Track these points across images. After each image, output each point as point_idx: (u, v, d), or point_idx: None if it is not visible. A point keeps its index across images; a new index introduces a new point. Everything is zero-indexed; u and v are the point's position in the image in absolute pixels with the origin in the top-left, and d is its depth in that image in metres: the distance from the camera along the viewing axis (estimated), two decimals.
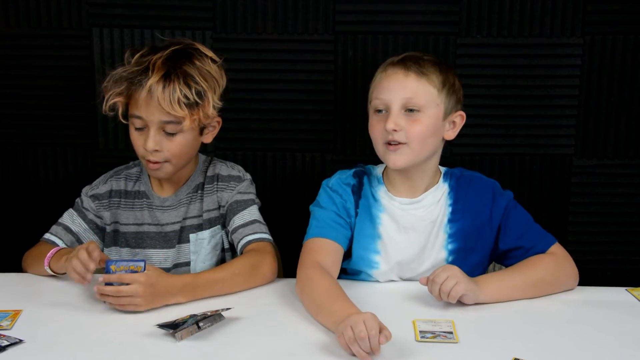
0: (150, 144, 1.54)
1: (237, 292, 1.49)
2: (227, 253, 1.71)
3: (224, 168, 1.69)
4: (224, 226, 1.68)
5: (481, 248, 1.60)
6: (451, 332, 1.29)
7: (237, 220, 1.63)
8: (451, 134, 1.60)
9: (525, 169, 2.03)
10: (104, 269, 1.41)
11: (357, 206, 1.61)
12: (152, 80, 1.51)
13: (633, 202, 2.04)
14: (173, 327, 1.27)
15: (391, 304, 1.45)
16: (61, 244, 1.63)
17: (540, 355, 1.22)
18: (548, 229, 1.61)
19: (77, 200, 1.70)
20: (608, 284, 1.63)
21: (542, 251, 1.56)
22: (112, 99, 1.55)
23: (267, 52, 1.99)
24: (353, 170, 1.66)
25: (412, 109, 1.52)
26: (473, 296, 1.42)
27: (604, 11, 1.94)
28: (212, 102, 1.56)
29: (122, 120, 1.58)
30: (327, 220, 1.58)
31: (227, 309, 1.34)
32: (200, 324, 1.28)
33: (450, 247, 1.58)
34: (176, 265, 1.67)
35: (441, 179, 1.63)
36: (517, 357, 1.20)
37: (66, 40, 1.99)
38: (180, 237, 1.67)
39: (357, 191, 1.62)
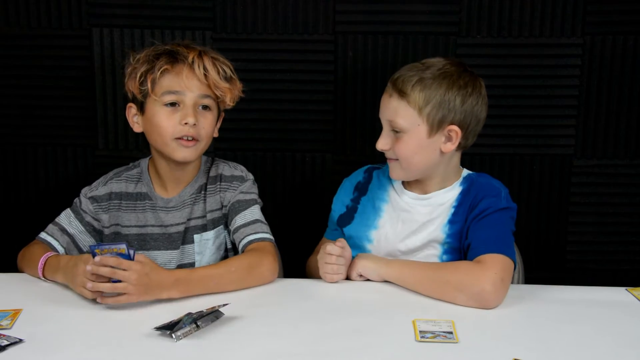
0: (190, 117, 1.54)
1: (233, 291, 1.48)
2: (230, 253, 1.70)
3: (226, 168, 1.69)
4: (227, 226, 1.68)
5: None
6: (451, 332, 1.29)
7: (239, 219, 1.63)
8: (449, 146, 1.55)
9: (525, 169, 2.03)
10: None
11: (357, 201, 1.67)
12: (193, 54, 1.56)
13: (633, 202, 2.04)
14: (170, 328, 1.26)
15: (391, 304, 1.45)
16: (56, 245, 1.62)
17: (540, 355, 1.22)
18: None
19: (76, 200, 1.69)
20: (608, 284, 1.63)
21: (479, 254, 1.47)
22: (161, 68, 1.54)
23: (267, 52, 1.99)
24: (367, 166, 1.73)
25: (395, 130, 1.55)
26: (376, 273, 1.53)
27: (604, 11, 1.94)
28: (238, 84, 1.63)
29: (152, 95, 1.54)
30: (330, 225, 1.73)
31: (224, 304, 1.33)
32: (199, 323, 1.28)
33: (446, 246, 1.58)
34: (180, 267, 1.66)
35: (457, 182, 1.62)
36: (517, 357, 1.20)
37: (66, 40, 1.99)
38: (185, 238, 1.66)
39: (362, 187, 1.69)
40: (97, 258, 1.37)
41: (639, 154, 2.01)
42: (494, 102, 2.00)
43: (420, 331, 1.29)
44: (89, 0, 1.96)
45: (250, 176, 1.70)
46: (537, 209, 2.05)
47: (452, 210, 1.59)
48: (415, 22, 1.97)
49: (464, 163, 1.65)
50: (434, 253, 1.59)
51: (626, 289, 1.53)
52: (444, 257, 1.58)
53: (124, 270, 1.37)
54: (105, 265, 1.37)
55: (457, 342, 1.26)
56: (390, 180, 1.66)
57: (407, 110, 1.53)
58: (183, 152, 1.58)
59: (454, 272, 1.46)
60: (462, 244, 1.57)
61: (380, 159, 1.64)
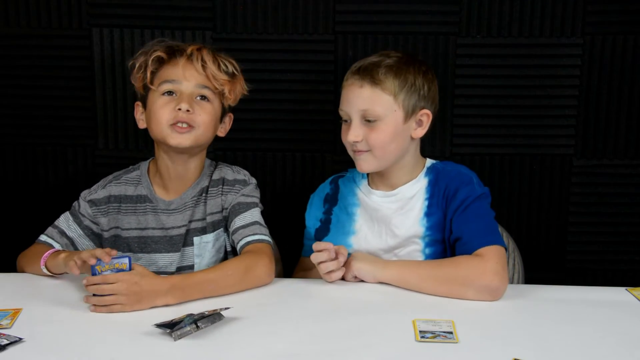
0: (184, 103, 1.55)
1: (230, 294, 1.47)
2: (230, 255, 1.70)
3: (229, 172, 1.69)
4: (227, 228, 1.67)
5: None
6: (451, 332, 1.29)
7: (238, 221, 1.62)
8: (419, 132, 1.60)
9: (525, 169, 2.03)
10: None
11: (330, 212, 1.70)
12: (194, 47, 1.60)
13: (633, 202, 2.04)
14: (170, 327, 1.26)
15: (391, 304, 1.45)
16: (57, 247, 1.62)
17: (540, 355, 1.22)
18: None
19: (75, 204, 1.69)
20: (608, 284, 1.63)
21: (476, 247, 1.49)
22: (154, 55, 1.59)
23: (267, 52, 1.99)
24: (331, 177, 1.76)
25: (369, 119, 1.55)
26: (371, 276, 1.51)
27: (604, 11, 1.94)
28: (243, 82, 1.65)
29: (150, 86, 1.59)
30: (307, 242, 1.73)
31: (226, 308, 1.34)
32: (199, 324, 1.28)
33: (427, 239, 1.59)
34: (180, 269, 1.66)
35: (422, 173, 1.64)
36: (517, 357, 1.20)
37: (66, 40, 1.99)
38: (185, 240, 1.66)
39: (332, 198, 1.72)
40: (84, 281, 1.37)
41: (639, 154, 2.01)
42: (494, 102, 2.01)
43: (420, 331, 1.29)
44: (89, 0, 1.96)
45: (253, 180, 1.70)
46: (537, 209, 2.05)
47: (426, 202, 1.60)
48: (415, 22, 1.97)
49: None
50: (416, 248, 1.60)
51: (626, 289, 1.53)
52: (427, 250, 1.59)
53: (112, 283, 1.37)
54: (93, 284, 1.37)
55: (457, 342, 1.26)
56: (356, 183, 1.69)
57: (383, 97, 1.55)
58: (177, 138, 1.57)
59: (456, 268, 1.47)
60: (445, 237, 1.57)
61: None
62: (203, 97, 1.60)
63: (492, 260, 1.46)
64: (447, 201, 1.58)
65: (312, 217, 1.73)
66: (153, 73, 1.59)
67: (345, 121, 1.61)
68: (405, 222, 1.61)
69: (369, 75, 1.55)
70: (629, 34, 1.95)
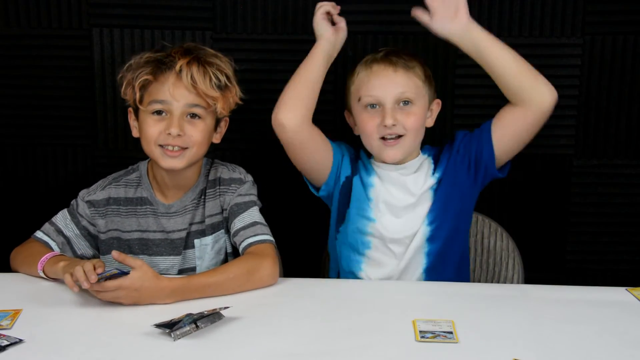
0: (174, 127, 1.52)
1: (232, 294, 1.47)
2: (230, 257, 1.69)
3: (225, 171, 1.68)
4: (228, 230, 1.66)
5: (459, 190, 1.68)
6: (451, 332, 1.29)
7: (238, 222, 1.61)
8: (430, 121, 1.72)
9: (526, 169, 2.03)
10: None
11: (351, 181, 1.71)
12: (182, 62, 1.53)
13: (633, 202, 2.04)
14: (170, 327, 1.26)
15: (391, 304, 1.45)
16: (53, 245, 1.62)
17: (540, 355, 1.22)
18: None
19: (73, 202, 1.68)
20: (608, 284, 1.63)
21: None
22: (141, 78, 1.53)
23: (267, 52, 1.99)
24: (349, 148, 1.79)
25: (406, 101, 1.63)
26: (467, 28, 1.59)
27: (604, 11, 1.94)
28: (236, 90, 1.61)
29: (140, 106, 1.55)
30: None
31: (226, 307, 1.33)
32: (199, 323, 1.28)
33: (435, 187, 1.68)
34: (181, 272, 1.65)
35: (420, 152, 1.74)
36: (517, 357, 1.20)
37: (66, 40, 1.99)
38: (187, 243, 1.65)
39: (355, 159, 1.75)
40: (85, 283, 1.36)
41: (639, 154, 2.01)
42: (494, 102, 2.00)
43: (420, 331, 1.29)
44: (89, 0, 1.96)
45: (249, 178, 1.69)
46: (537, 209, 2.05)
47: (432, 165, 1.71)
48: (415, 22, 1.95)
49: None
50: (427, 206, 1.67)
51: (626, 289, 1.53)
52: (431, 213, 1.66)
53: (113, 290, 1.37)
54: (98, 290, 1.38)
55: (457, 342, 1.26)
56: (370, 159, 1.74)
57: (416, 82, 1.65)
58: (169, 162, 1.56)
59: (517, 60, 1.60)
60: (471, 158, 1.67)
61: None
62: (194, 115, 1.56)
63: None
64: (450, 151, 1.70)
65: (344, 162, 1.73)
66: (141, 91, 1.55)
67: (373, 106, 1.64)
68: (419, 179, 1.68)
69: (402, 60, 1.63)
70: (629, 34, 1.95)
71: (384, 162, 1.68)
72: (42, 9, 1.97)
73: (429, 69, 1.70)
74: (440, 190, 1.67)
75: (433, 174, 1.69)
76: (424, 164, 1.72)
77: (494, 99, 2.00)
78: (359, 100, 1.66)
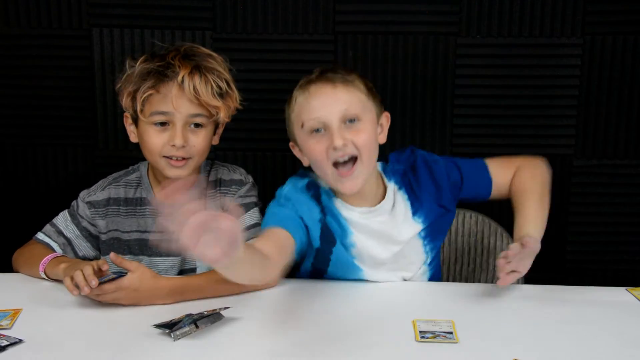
0: (178, 139, 1.51)
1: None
2: None
3: (225, 172, 1.68)
4: None
5: (444, 215, 1.61)
6: (451, 332, 1.29)
7: None
8: (382, 137, 1.55)
9: None
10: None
11: (323, 212, 1.54)
12: (184, 72, 1.50)
13: (633, 202, 2.04)
14: (170, 327, 1.26)
15: (391, 304, 1.45)
16: (55, 246, 1.61)
17: (540, 355, 1.22)
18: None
19: (73, 203, 1.67)
20: (608, 284, 1.63)
21: (483, 166, 1.61)
22: (145, 93, 1.51)
23: (267, 52, 1.99)
24: (306, 180, 1.59)
25: (352, 119, 1.46)
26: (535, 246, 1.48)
27: (604, 11, 1.94)
28: (236, 96, 1.58)
29: (141, 117, 1.52)
30: (285, 216, 1.51)
31: (226, 308, 1.34)
32: (198, 323, 1.28)
33: (423, 233, 1.58)
34: (181, 272, 1.65)
35: (385, 180, 1.59)
36: (517, 357, 1.20)
37: (66, 40, 1.99)
38: None
39: (317, 199, 1.56)
40: (86, 289, 1.35)
41: (639, 154, 2.01)
42: (494, 102, 2.01)
43: (420, 331, 1.29)
44: (89, 0, 1.96)
45: (250, 179, 1.68)
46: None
47: (408, 202, 1.58)
48: (415, 22, 1.97)
49: None
50: (418, 243, 1.59)
51: (626, 289, 1.53)
52: (425, 242, 1.59)
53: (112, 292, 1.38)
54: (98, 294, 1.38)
55: (457, 342, 1.26)
56: (334, 199, 1.56)
57: (358, 95, 1.48)
58: (173, 171, 1.56)
59: (533, 181, 1.57)
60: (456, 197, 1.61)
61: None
62: (197, 125, 1.55)
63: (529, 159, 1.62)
64: (424, 186, 1.58)
65: (295, 211, 1.52)
66: (143, 103, 1.53)
67: (318, 130, 1.46)
68: (402, 227, 1.57)
69: (339, 75, 1.49)
70: (629, 34, 1.95)
71: (343, 193, 1.52)
72: (42, 9, 1.97)
73: (369, 81, 1.54)
74: (428, 233, 1.59)
75: (414, 215, 1.57)
76: (397, 202, 1.57)
77: (494, 99, 2.01)
78: (302, 126, 1.48)
